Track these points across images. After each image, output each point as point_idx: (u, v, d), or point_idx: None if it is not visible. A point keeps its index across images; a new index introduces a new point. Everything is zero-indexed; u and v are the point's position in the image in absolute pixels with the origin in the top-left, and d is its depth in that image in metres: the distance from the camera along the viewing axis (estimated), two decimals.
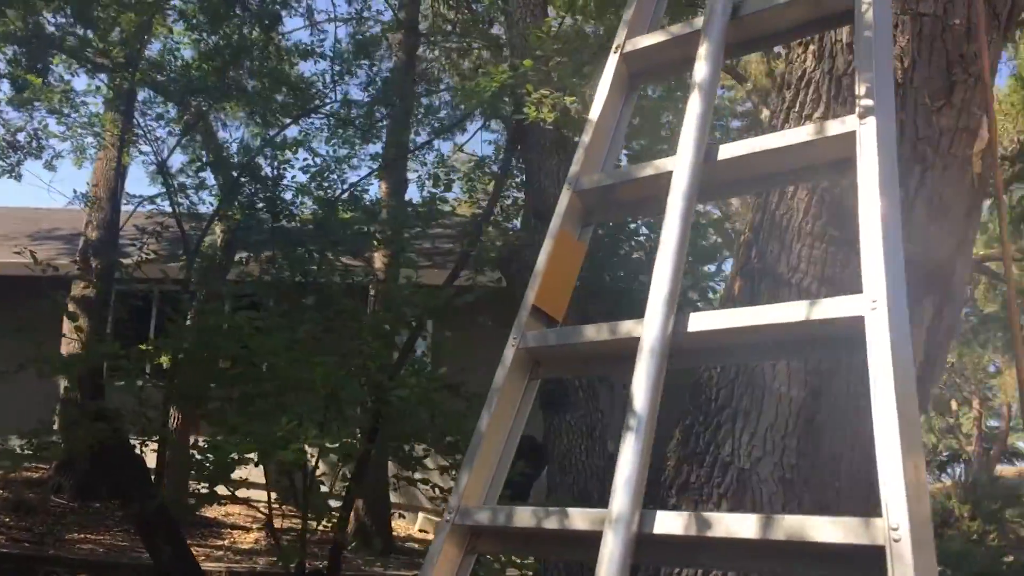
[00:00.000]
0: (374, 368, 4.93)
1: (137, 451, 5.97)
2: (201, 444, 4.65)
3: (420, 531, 12.30)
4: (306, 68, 14.93)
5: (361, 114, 9.13)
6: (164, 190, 8.69)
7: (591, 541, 1.80)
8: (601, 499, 3.61)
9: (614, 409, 6.06)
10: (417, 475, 5.55)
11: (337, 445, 4.08)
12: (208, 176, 9.29)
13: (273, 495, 5.40)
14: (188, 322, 6.13)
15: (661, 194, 2.11)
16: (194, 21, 8.19)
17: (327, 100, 9.03)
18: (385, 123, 9.75)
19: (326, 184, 8.12)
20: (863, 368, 3.61)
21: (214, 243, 10.18)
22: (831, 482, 3.58)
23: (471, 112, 8.73)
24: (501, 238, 7.04)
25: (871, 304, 1.64)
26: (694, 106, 2.08)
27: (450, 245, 11.01)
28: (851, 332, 1.67)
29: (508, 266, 5.67)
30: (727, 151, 2.03)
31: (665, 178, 2.07)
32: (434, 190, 7.34)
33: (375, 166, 9.30)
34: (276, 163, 8.12)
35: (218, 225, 9.88)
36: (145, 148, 9.87)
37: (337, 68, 9.11)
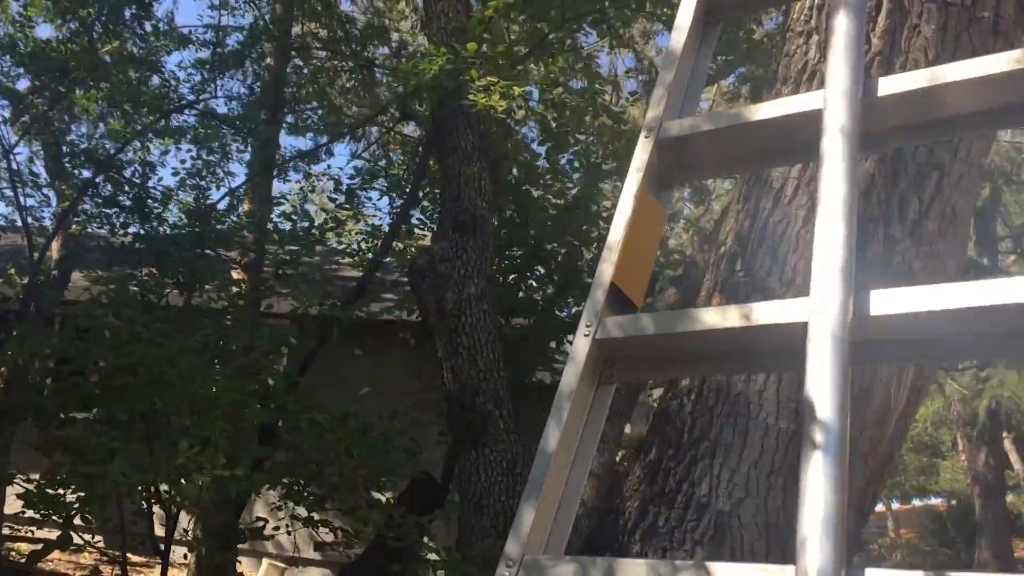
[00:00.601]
0: (279, 386, 4.18)
1: None
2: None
3: None
4: (178, 59, 13.96)
5: (239, 115, 8.31)
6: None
7: None
8: None
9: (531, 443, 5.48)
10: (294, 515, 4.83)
11: (247, 476, 3.31)
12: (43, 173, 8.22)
13: (96, 538, 4.51)
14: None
15: (792, 141, 1.61)
16: None
17: (201, 97, 8.16)
18: (258, 127, 8.96)
19: (200, 188, 7.27)
20: (858, 393, 3.26)
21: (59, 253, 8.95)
22: None
23: (384, 109, 8.08)
24: (415, 246, 6.42)
25: None
26: (843, 25, 1.58)
27: (318, 275, 10.24)
28: None
29: (421, 280, 5.04)
30: (892, 84, 1.53)
31: (803, 120, 1.56)
32: (335, 196, 6.66)
33: (254, 175, 8.49)
34: (142, 162, 7.19)
35: (57, 240, 8.67)
36: None
37: (216, 64, 8.25)
